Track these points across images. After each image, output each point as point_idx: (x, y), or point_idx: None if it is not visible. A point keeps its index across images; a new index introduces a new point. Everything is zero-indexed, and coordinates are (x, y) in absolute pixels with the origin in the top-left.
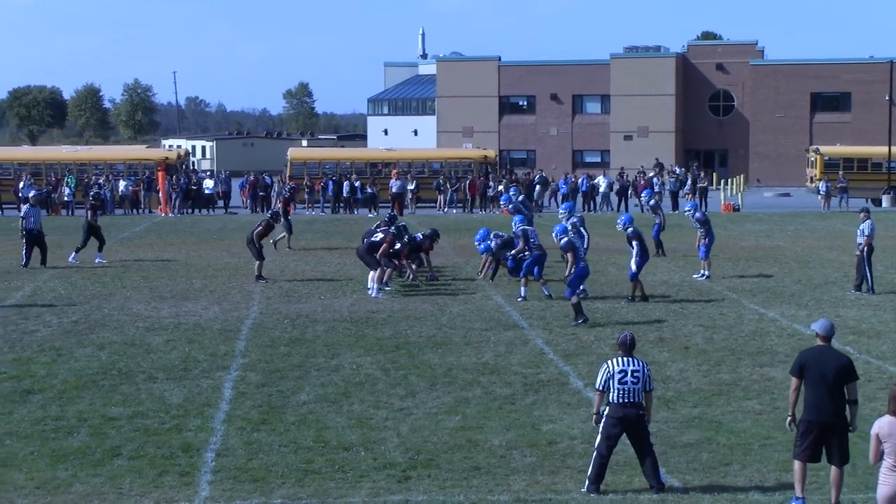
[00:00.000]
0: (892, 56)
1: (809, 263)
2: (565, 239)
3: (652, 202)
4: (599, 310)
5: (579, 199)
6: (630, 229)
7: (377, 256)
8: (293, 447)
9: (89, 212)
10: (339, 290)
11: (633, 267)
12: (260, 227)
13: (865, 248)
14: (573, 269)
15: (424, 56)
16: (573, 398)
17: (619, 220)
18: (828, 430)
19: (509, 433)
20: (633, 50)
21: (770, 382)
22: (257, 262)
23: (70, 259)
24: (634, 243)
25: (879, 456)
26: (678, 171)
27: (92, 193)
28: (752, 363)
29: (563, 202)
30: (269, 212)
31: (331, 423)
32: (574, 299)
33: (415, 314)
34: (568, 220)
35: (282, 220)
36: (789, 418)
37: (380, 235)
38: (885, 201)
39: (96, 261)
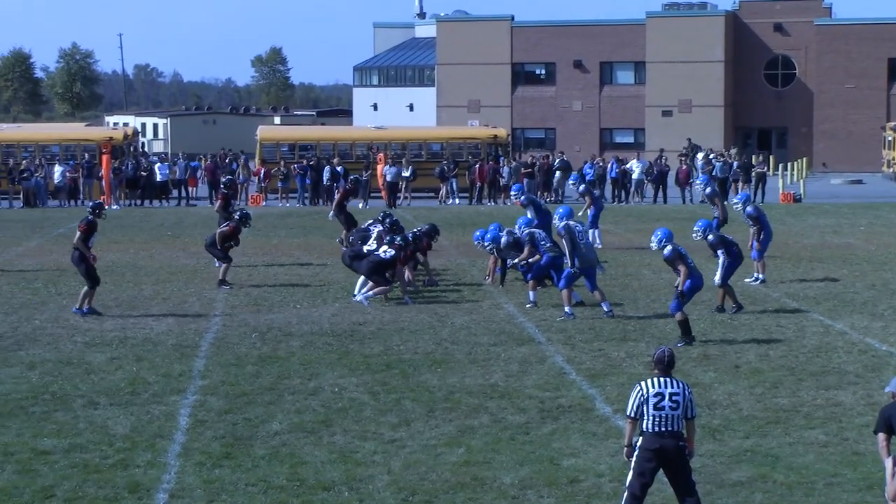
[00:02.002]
0: None
1: (886, 265)
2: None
3: (709, 190)
4: (632, 321)
5: (608, 187)
6: (711, 237)
7: (385, 275)
8: (263, 486)
9: None
10: (319, 297)
11: (718, 278)
12: (226, 228)
13: None
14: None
15: (422, 15)
16: (599, 427)
17: (656, 236)
18: None
19: (523, 469)
20: (674, 7)
21: (837, 408)
22: (223, 264)
23: None
24: (720, 252)
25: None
26: (722, 155)
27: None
28: (816, 385)
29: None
30: (239, 213)
31: (308, 458)
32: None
33: (409, 326)
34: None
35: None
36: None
37: (383, 247)
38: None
39: None
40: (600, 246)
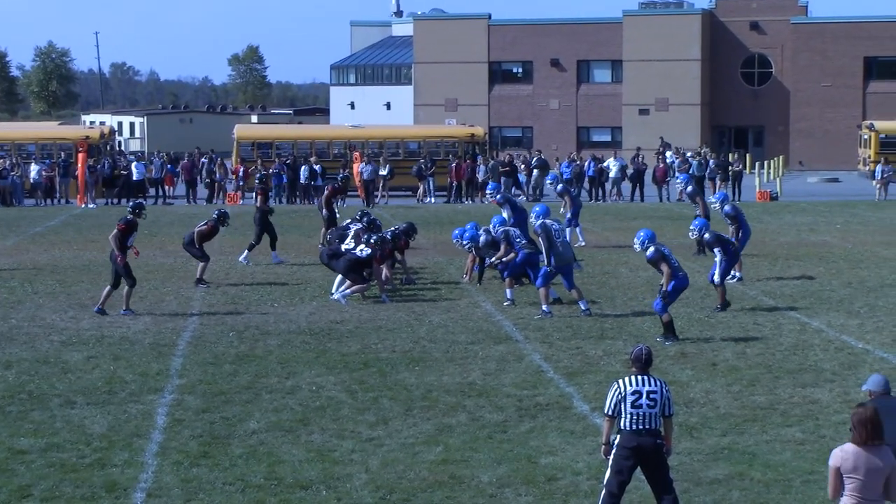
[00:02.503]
0: None
1: (862, 263)
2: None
3: (690, 189)
4: (609, 319)
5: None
6: (707, 235)
7: (362, 273)
8: (240, 486)
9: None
10: (296, 296)
11: (717, 276)
12: (204, 227)
13: None
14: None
15: (399, 13)
16: (577, 425)
17: (639, 237)
18: None
19: (500, 468)
20: (651, 6)
21: (814, 406)
22: (201, 263)
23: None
24: (717, 250)
25: (839, 490)
26: (698, 153)
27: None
28: (793, 383)
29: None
30: (217, 211)
31: (286, 457)
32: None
33: (387, 325)
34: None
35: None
36: None
37: (360, 245)
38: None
39: None
40: (583, 243)
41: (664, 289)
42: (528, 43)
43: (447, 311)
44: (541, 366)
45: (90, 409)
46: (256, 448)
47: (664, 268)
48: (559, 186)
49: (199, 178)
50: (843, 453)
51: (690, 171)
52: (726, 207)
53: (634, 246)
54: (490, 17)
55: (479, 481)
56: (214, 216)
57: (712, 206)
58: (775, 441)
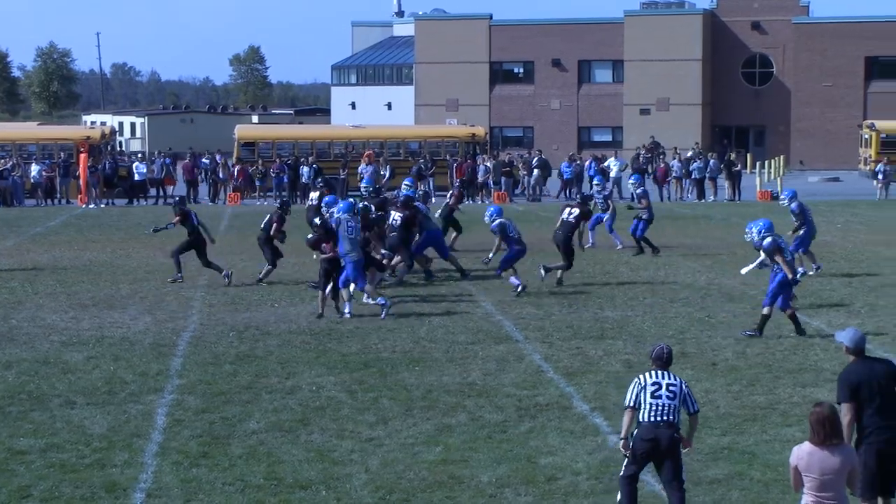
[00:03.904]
0: None
1: (862, 262)
2: (497, 221)
3: (640, 189)
4: (610, 319)
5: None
6: (767, 240)
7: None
8: (240, 486)
9: None
10: (296, 296)
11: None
12: (275, 222)
13: None
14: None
15: (400, 14)
16: (577, 425)
17: (756, 225)
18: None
19: (500, 468)
20: (652, 6)
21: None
22: (267, 266)
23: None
24: (777, 258)
25: (801, 484)
26: (700, 155)
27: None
28: (793, 382)
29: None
30: (279, 201)
31: (285, 457)
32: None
33: (387, 325)
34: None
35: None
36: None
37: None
38: None
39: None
40: (620, 246)
41: (792, 278)
42: (529, 43)
43: (447, 312)
44: (541, 366)
45: (90, 409)
46: (256, 448)
47: (779, 259)
48: (640, 189)
49: (199, 177)
50: (800, 452)
51: (692, 174)
52: (793, 204)
53: (750, 237)
54: (491, 17)
55: (478, 481)
56: (276, 207)
57: (781, 202)
58: (775, 441)
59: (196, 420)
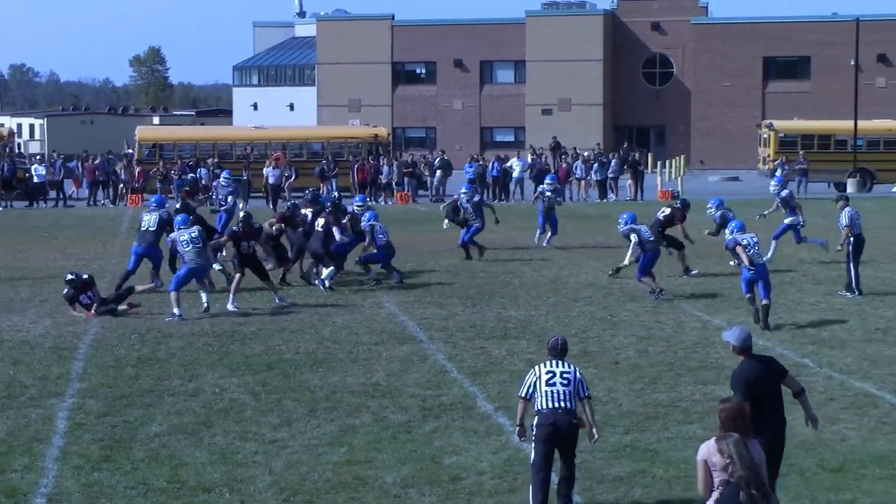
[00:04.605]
0: (858, 13)
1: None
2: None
3: (477, 198)
4: (513, 318)
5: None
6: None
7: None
8: (142, 489)
9: None
10: (198, 297)
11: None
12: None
13: (849, 242)
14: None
15: (302, 14)
16: (481, 425)
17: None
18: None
19: (405, 468)
20: (554, 6)
21: (715, 403)
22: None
23: None
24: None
25: (710, 485)
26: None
27: None
28: (694, 380)
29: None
30: (287, 203)
31: (188, 459)
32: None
33: (290, 326)
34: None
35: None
36: None
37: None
38: (851, 186)
39: None
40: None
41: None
42: (431, 43)
43: (351, 312)
44: (444, 366)
45: None
46: (159, 451)
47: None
48: (784, 192)
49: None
50: (710, 447)
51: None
52: (717, 213)
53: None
54: (393, 17)
55: (383, 482)
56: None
57: (708, 210)
58: (677, 438)
59: (97, 424)
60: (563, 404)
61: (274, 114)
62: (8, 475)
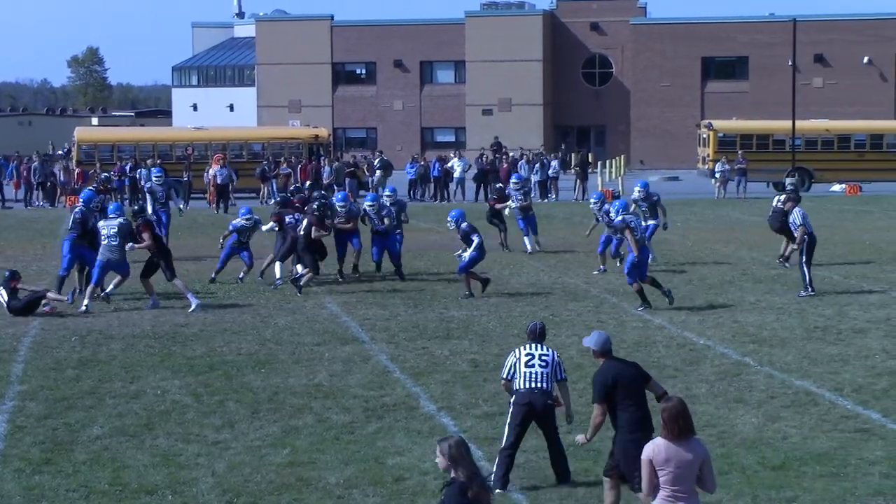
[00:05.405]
0: (796, 13)
1: (702, 260)
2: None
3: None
4: (455, 319)
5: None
6: (464, 225)
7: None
8: (84, 492)
9: None
10: (140, 299)
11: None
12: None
13: (804, 240)
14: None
15: (241, 15)
16: (424, 425)
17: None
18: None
19: (348, 469)
20: (493, 6)
21: (656, 402)
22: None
23: None
24: (473, 238)
25: (656, 487)
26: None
27: None
28: None
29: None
30: (278, 197)
31: (130, 462)
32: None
33: (232, 327)
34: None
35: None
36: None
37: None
38: (790, 186)
39: None
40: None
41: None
42: (371, 44)
43: (293, 313)
44: (387, 366)
45: None
46: (100, 454)
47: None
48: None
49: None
50: (656, 447)
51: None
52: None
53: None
54: (333, 18)
55: (326, 483)
56: (277, 203)
57: (630, 198)
58: None
59: (38, 426)
60: (540, 385)
61: (214, 114)
62: None
